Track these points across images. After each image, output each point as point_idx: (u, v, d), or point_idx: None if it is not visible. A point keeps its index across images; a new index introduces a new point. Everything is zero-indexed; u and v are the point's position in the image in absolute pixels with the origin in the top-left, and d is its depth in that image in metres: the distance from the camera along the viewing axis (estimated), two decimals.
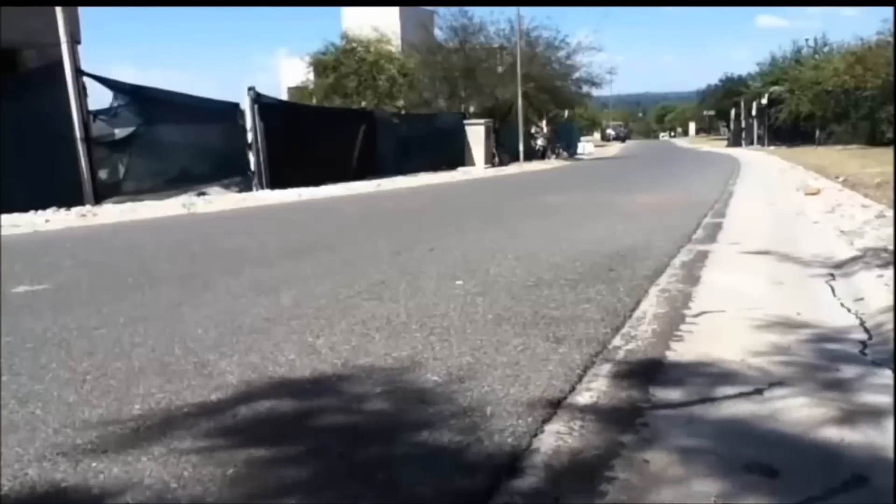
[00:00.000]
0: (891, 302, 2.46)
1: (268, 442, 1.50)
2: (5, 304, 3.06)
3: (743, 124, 45.29)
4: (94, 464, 1.43)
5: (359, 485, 1.30)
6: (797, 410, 1.62)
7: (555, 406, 1.68)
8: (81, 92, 10.09)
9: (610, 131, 79.65)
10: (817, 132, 32.83)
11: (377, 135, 16.60)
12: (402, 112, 22.30)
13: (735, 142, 45.29)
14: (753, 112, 40.79)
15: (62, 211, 8.92)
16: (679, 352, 2.13)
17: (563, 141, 34.11)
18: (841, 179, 9.56)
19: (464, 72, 26.21)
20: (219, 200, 10.51)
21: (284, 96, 24.82)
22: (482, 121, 22.97)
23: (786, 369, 1.91)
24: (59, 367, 2.09)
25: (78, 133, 9.83)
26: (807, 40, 41.32)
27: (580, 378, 1.88)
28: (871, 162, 13.00)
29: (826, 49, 37.52)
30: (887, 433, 1.48)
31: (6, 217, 7.82)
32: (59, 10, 9.63)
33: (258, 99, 12.92)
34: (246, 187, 12.80)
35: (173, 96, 12.11)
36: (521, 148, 23.93)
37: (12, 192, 8.82)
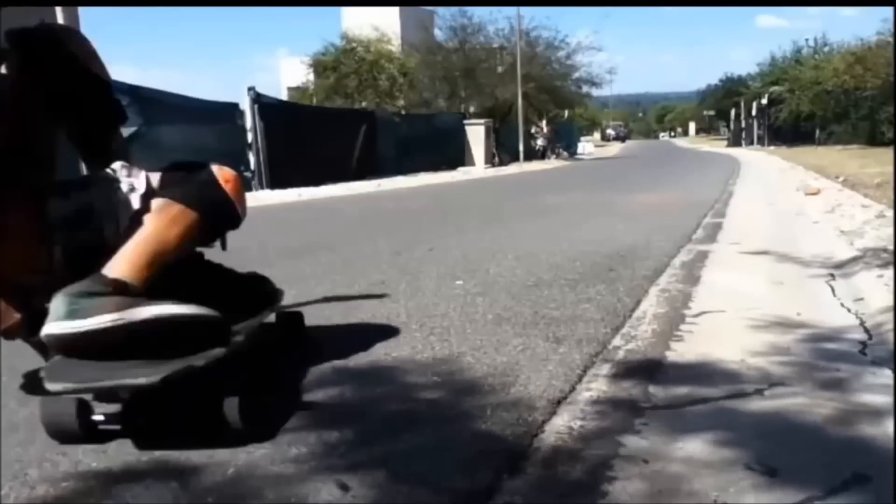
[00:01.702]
0: (891, 302, 2.46)
1: (268, 443, 1.50)
2: None
3: (743, 124, 45.29)
4: (93, 464, 1.43)
5: (358, 484, 1.30)
6: (797, 410, 1.62)
7: (555, 406, 1.68)
8: None
9: (610, 131, 79.60)
10: (817, 132, 32.82)
11: (377, 135, 16.60)
12: (403, 112, 22.30)
13: (735, 142, 45.28)
14: (753, 112, 40.79)
15: None
16: (679, 352, 2.13)
17: (563, 141, 34.11)
18: (841, 179, 9.56)
19: (464, 72, 26.22)
20: None
21: (284, 96, 24.84)
22: (482, 121, 22.98)
23: (786, 369, 1.91)
24: None
25: None
26: (807, 40, 41.33)
27: (580, 378, 1.88)
28: (871, 162, 13.00)
29: (826, 49, 37.53)
30: (887, 433, 1.48)
31: None
32: (59, 10, 9.63)
33: (258, 99, 12.93)
34: (246, 187, 12.75)
35: (173, 97, 12.12)
36: (521, 148, 23.94)
37: None
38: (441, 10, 27.87)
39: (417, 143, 18.44)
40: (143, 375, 1.41)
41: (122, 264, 1.52)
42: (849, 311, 2.57)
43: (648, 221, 5.64)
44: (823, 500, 1.22)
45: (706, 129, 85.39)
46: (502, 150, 23.73)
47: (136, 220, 1.59)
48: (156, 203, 1.62)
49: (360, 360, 2.08)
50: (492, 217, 6.72)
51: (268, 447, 1.47)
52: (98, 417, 1.54)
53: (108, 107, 1.85)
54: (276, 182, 12.59)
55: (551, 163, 26.19)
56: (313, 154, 13.93)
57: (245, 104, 12.93)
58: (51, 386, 1.41)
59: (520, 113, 24.36)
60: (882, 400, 1.66)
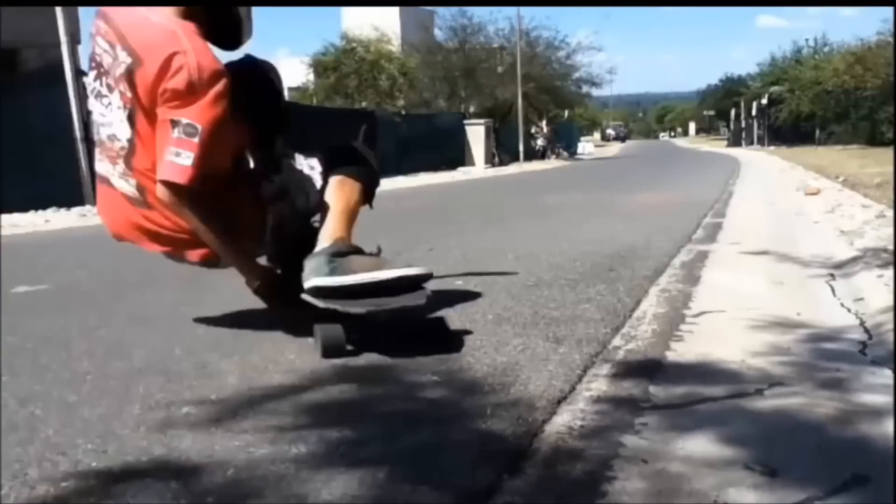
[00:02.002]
0: (891, 302, 2.46)
1: (267, 443, 1.50)
2: (5, 304, 3.06)
3: (743, 124, 45.33)
4: (93, 463, 1.43)
5: (358, 483, 1.30)
6: (797, 410, 1.62)
7: (555, 406, 1.67)
8: (82, 92, 10.09)
9: (610, 131, 79.62)
10: (817, 132, 32.85)
11: (377, 135, 16.60)
12: (403, 112, 22.30)
13: (735, 142, 45.31)
14: (753, 112, 40.81)
15: (62, 211, 8.93)
16: (679, 352, 2.12)
17: (563, 141, 34.13)
18: (841, 179, 9.57)
19: (464, 72, 26.23)
20: None
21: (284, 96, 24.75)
22: (482, 121, 22.99)
23: (786, 369, 1.91)
24: (59, 367, 2.09)
25: (78, 133, 9.83)
26: (807, 40, 41.42)
27: (580, 378, 1.88)
28: (871, 162, 13.01)
29: (826, 49, 37.60)
30: (887, 433, 1.48)
31: (6, 217, 7.82)
32: (59, 10, 9.64)
33: None
34: None
35: None
36: (521, 148, 23.94)
37: (12, 191, 8.82)
38: (441, 10, 27.89)
39: (417, 143, 18.45)
40: (394, 304, 2.05)
41: (339, 229, 2.22)
42: (849, 311, 2.57)
43: (648, 221, 5.64)
44: (823, 500, 1.22)
45: (706, 129, 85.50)
46: (502, 150, 23.74)
47: (322, 193, 2.26)
48: (333, 180, 2.28)
49: (360, 360, 2.08)
50: (492, 217, 6.72)
51: (268, 447, 1.47)
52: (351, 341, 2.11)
53: (284, 119, 2.47)
54: None
55: (551, 163, 26.19)
56: None
57: None
58: (353, 309, 2.01)
59: (520, 113, 24.37)
60: (882, 400, 1.66)
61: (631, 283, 3.13)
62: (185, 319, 2.68)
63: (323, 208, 2.27)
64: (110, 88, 2.15)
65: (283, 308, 2.32)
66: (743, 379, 1.85)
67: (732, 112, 50.64)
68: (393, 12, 28.21)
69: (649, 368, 1.97)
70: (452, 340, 2.18)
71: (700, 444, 1.46)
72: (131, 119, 2.12)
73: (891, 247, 3.53)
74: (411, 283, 2.14)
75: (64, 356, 2.20)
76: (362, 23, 24.97)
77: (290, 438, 1.51)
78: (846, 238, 4.27)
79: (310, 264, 2.12)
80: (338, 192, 2.26)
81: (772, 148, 32.21)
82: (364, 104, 21.93)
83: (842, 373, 1.87)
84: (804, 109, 33.08)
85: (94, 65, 2.21)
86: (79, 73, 9.98)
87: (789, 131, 35.41)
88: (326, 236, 2.20)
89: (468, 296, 2.94)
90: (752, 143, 39.75)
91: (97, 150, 2.31)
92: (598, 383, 1.84)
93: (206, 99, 2.03)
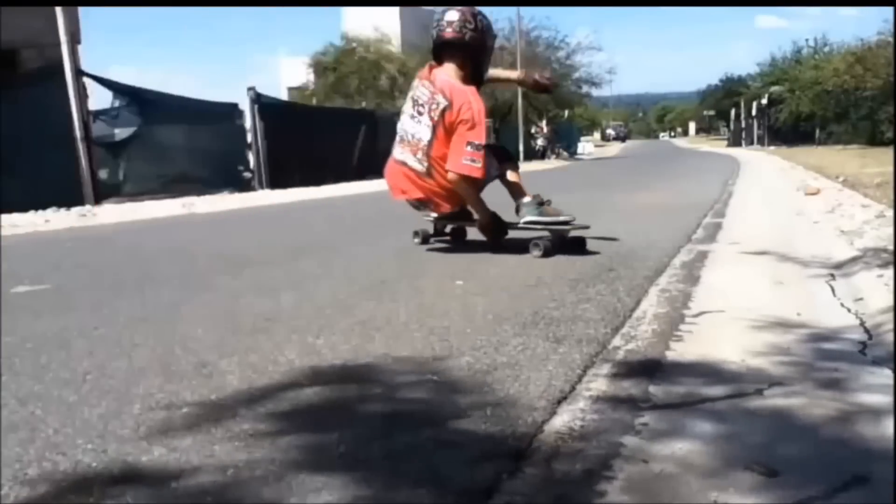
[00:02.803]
0: (891, 302, 2.46)
1: (268, 443, 1.50)
2: (5, 304, 3.06)
3: (743, 124, 45.30)
4: (93, 464, 1.43)
5: (357, 483, 1.30)
6: (797, 410, 1.62)
7: (554, 406, 1.67)
8: (81, 92, 10.09)
9: (610, 131, 79.64)
10: (817, 132, 32.81)
11: (377, 135, 16.60)
12: None
13: (735, 142, 45.30)
14: (753, 112, 40.78)
15: (62, 211, 8.92)
16: (679, 352, 2.12)
17: (563, 141, 34.12)
18: (841, 179, 9.56)
19: None
20: (219, 200, 10.52)
21: (284, 96, 24.83)
22: None
23: (785, 369, 1.91)
24: (59, 367, 2.09)
25: (78, 133, 9.83)
26: (807, 40, 41.38)
27: (580, 378, 1.88)
28: (871, 162, 13.01)
29: (826, 49, 37.58)
30: (887, 433, 1.48)
31: (6, 217, 7.81)
32: (59, 10, 9.64)
33: (258, 99, 12.92)
34: (246, 187, 12.78)
35: (173, 98, 12.12)
36: (521, 148, 23.92)
37: (12, 192, 8.82)
38: (441, 10, 27.83)
39: None
40: (567, 229, 4.10)
41: (528, 192, 4.13)
42: (849, 311, 2.56)
43: (648, 221, 5.64)
44: (823, 500, 1.22)
45: (706, 129, 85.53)
46: None
47: (499, 170, 4.15)
48: (510, 170, 4.20)
49: (359, 359, 2.08)
50: None
51: (268, 447, 1.47)
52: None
53: None
54: (276, 182, 12.59)
55: (551, 163, 26.17)
56: (313, 154, 13.92)
57: (245, 104, 12.94)
58: (563, 227, 4.09)
59: (520, 113, 24.38)
60: (882, 400, 1.66)
61: (631, 283, 3.13)
62: (185, 319, 2.69)
63: (510, 183, 4.17)
64: (420, 113, 3.98)
65: (495, 236, 4.22)
66: (743, 379, 1.85)
67: (732, 112, 50.63)
68: (393, 12, 28.20)
69: (649, 368, 1.97)
70: (586, 251, 3.98)
71: (700, 445, 1.46)
72: (434, 131, 3.93)
73: (891, 247, 3.53)
74: (569, 221, 4.04)
75: (64, 356, 2.20)
76: (363, 23, 24.98)
77: (289, 439, 1.52)
78: (846, 238, 4.27)
79: (524, 208, 4.07)
80: (515, 174, 4.21)
81: (772, 148, 32.16)
82: (364, 104, 21.90)
83: (841, 373, 1.87)
84: (804, 109, 33.05)
85: (412, 100, 4.07)
86: (79, 73, 9.99)
87: (789, 131, 35.37)
88: (525, 195, 4.11)
89: (468, 296, 2.95)
90: (752, 143, 39.72)
91: (400, 146, 4.14)
92: (598, 383, 1.84)
93: (482, 127, 3.86)
